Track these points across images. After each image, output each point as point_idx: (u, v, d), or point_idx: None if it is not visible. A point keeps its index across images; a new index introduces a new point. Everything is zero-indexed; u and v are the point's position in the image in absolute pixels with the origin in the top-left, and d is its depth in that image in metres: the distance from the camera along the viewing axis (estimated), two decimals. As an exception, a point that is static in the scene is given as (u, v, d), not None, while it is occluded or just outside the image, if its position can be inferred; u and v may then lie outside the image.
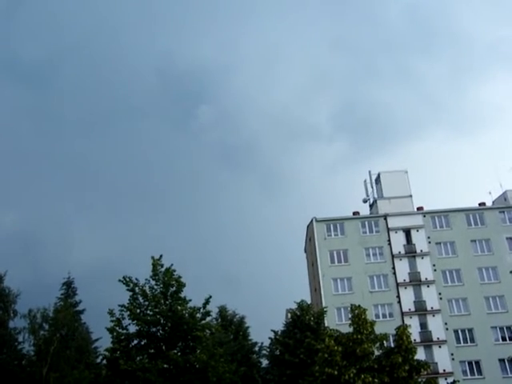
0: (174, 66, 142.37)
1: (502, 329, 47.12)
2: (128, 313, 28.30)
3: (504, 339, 46.46)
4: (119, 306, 28.45)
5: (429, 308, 48.10)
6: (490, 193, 55.24)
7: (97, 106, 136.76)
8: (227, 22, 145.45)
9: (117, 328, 28.20)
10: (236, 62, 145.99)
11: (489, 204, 54.10)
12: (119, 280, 28.91)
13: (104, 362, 30.85)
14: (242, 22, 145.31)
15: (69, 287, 42.95)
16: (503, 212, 51.90)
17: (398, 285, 49.19)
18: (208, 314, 29.90)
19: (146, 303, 28.83)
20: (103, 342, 36.18)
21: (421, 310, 48.14)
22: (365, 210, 56.04)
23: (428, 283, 49.01)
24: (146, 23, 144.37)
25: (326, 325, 37.87)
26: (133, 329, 28.63)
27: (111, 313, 28.36)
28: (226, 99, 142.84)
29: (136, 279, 29.19)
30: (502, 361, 44.18)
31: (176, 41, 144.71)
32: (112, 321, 28.23)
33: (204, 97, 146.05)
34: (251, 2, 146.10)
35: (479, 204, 53.40)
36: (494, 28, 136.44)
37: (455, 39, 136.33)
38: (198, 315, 29.23)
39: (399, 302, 48.59)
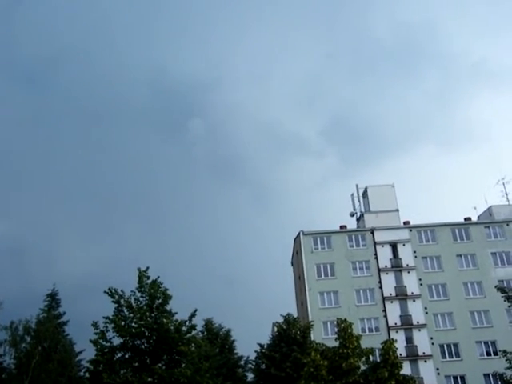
0: (167, 78, 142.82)
1: (486, 343, 47.29)
2: (112, 325, 27.91)
3: (489, 354, 46.56)
4: (104, 317, 28.05)
5: (415, 322, 48.18)
6: (475, 208, 55.91)
7: (88, 116, 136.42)
8: (220, 35, 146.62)
9: (101, 340, 27.76)
10: (228, 76, 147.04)
11: (474, 219, 54.62)
12: (104, 291, 28.57)
13: (87, 375, 30.30)
14: (234, 35, 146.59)
15: (53, 299, 42.32)
16: (488, 227, 52.42)
17: (384, 299, 49.24)
18: (194, 327, 29.58)
19: (131, 315, 28.45)
20: (87, 354, 35.61)
21: (407, 324, 48.18)
22: (352, 224, 56.31)
23: (414, 297, 49.15)
24: (139, 36, 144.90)
25: (313, 339, 37.70)
26: (117, 341, 28.23)
27: (95, 325, 27.93)
28: (218, 112, 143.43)
29: (121, 291, 28.86)
30: (486, 376, 44.13)
31: (169, 53, 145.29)
32: (96, 333, 27.80)
33: (196, 109, 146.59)
34: (244, 16, 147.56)
35: (465, 219, 53.89)
36: (479, 47, 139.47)
37: (442, 57, 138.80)
38: (184, 328, 28.91)
39: (385, 316, 48.61)
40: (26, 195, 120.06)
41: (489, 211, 54.45)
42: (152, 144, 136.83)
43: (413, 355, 46.65)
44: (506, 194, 55.16)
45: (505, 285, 39.10)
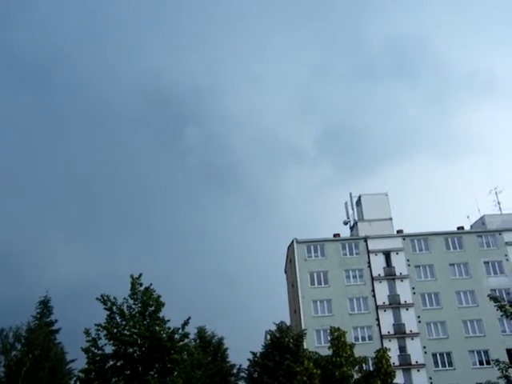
0: (162, 87, 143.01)
1: (479, 353, 47.34)
2: (104, 332, 27.65)
3: (481, 363, 46.61)
4: (95, 325, 27.75)
5: (408, 331, 48.19)
6: (468, 217, 56.30)
7: (82, 122, 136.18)
8: (215, 44, 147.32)
9: (92, 348, 27.47)
10: (223, 85, 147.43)
11: (467, 228, 54.89)
12: (97, 298, 28.27)
13: (78, 383, 29.93)
14: (229, 45, 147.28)
15: (45, 306, 41.87)
16: (481, 236, 52.67)
17: (377, 307, 49.24)
18: (186, 335, 29.33)
19: (124, 323, 28.18)
20: (78, 363, 35.21)
21: (400, 333, 48.19)
22: (345, 232, 56.42)
23: (407, 306, 49.20)
24: (134, 44, 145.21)
25: (306, 347, 37.61)
26: (109, 349, 27.94)
27: (87, 332, 27.63)
28: (213, 121, 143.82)
29: (114, 298, 28.60)
30: (479, 385, 44.19)
31: (164, 62, 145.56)
32: (88, 341, 27.50)
33: (190, 118, 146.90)
34: (238, 26, 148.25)
35: (458, 228, 54.11)
36: (471, 60, 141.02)
37: (435, 69, 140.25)
38: (177, 336, 28.68)
39: (378, 324, 48.58)
40: (17, 200, 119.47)
41: (481, 220, 54.75)
42: (146, 151, 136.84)
43: (406, 364, 46.62)
44: (499, 203, 55.60)
45: (497, 294, 39.16)
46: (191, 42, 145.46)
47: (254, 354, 38.46)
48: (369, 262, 51.21)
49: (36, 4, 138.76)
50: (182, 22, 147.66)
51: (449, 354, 47.45)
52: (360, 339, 46.75)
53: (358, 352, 28.57)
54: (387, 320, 48.70)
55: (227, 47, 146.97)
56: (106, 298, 28.31)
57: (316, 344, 44.63)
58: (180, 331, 28.67)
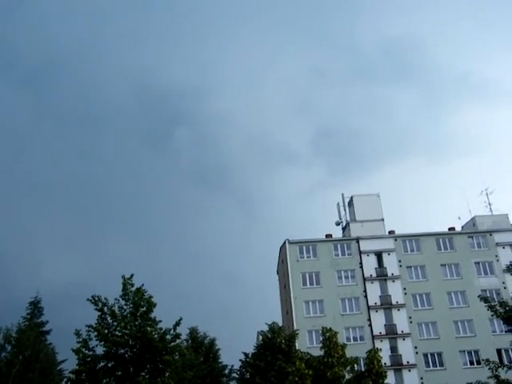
0: (153, 86, 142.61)
1: (470, 353, 47.60)
2: (95, 333, 27.50)
3: (472, 363, 46.86)
4: (86, 326, 27.60)
5: (399, 331, 48.35)
6: (459, 218, 56.56)
7: (75, 122, 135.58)
8: (208, 44, 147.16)
9: (83, 349, 27.31)
10: (216, 85, 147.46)
11: (458, 229, 55.18)
12: (87, 299, 28.12)
13: (68, 384, 29.71)
14: (224, 45, 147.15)
15: (35, 307, 41.60)
16: (472, 237, 52.98)
17: (369, 308, 49.38)
18: (178, 336, 29.23)
19: (115, 324, 28.04)
20: (69, 364, 35.00)
21: (391, 333, 48.34)
22: (337, 233, 56.51)
23: (399, 307, 49.37)
24: (125, 44, 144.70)
25: (298, 347, 37.63)
26: (100, 350, 27.78)
27: (77, 333, 27.47)
28: (205, 121, 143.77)
29: (105, 299, 28.46)
30: (470, 385, 44.41)
31: (159, 63, 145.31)
32: (78, 342, 27.34)
33: (183, 118, 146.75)
34: (233, 26, 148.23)
35: (449, 229, 54.40)
36: (463, 62, 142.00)
37: (427, 71, 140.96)
38: (168, 337, 28.57)
39: (370, 325, 48.70)
40: (9, 200, 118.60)
41: (472, 221, 55.08)
42: (140, 152, 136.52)
43: (397, 364, 46.76)
44: (490, 204, 55.92)
45: (488, 294, 39.36)
46: (186, 43, 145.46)
47: (245, 354, 38.47)
48: (361, 263, 51.35)
49: (36, 4, 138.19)
50: (178, 21, 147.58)
51: (440, 354, 47.67)
52: (352, 340, 46.83)
53: (350, 352, 28.65)
54: (379, 320, 48.83)
55: (222, 48, 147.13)
56: (96, 298, 28.16)
57: (308, 344, 44.66)
58: (172, 332, 28.57)
